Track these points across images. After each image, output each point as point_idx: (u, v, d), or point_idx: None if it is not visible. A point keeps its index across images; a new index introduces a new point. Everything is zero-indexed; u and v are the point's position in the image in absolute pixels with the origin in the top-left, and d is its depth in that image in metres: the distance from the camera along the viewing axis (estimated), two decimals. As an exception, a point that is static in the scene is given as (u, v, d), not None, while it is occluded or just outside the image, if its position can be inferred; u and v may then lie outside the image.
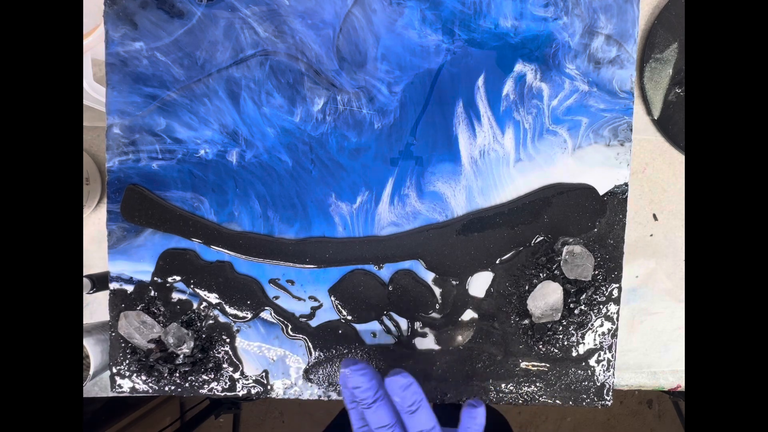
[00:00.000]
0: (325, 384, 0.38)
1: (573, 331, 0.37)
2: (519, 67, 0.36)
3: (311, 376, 0.38)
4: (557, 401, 0.38)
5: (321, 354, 0.38)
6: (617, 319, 0.38)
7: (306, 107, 0.36)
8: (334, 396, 0.38)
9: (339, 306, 0.38)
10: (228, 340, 0.38)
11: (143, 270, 0.37)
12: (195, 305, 0.38)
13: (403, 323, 0.38)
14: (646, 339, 0.50)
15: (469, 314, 0.38)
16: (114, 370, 0.38)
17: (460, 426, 0.32)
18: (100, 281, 0.39)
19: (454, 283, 0.37)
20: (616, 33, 0.36)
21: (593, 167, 0.37)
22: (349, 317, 0.38)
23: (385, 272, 0.37)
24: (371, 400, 0.30)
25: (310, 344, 0.38)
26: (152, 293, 0.37)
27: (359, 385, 0.30)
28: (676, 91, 0.46)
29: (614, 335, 0.38)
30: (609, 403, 0.38)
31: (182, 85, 0.36)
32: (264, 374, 0.38)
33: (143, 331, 0.37)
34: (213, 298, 0.37)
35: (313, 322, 0.38)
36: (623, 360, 0.50)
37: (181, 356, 0.37)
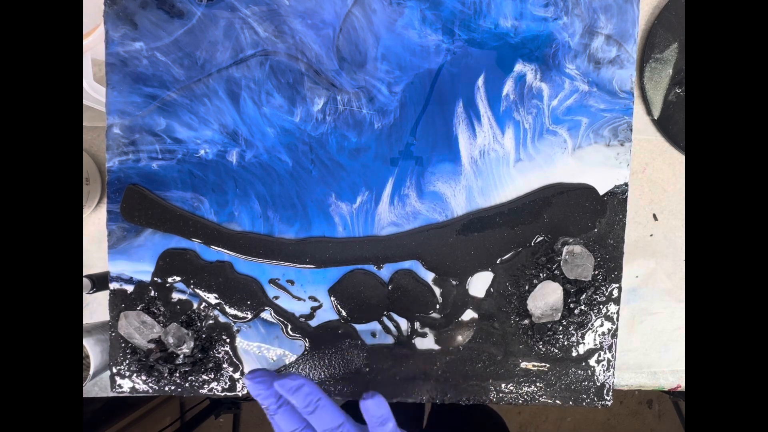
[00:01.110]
0: (324, 385, 0.38)
1: (573, 331, 0.37)
2: (519, 67, 0.36)
3: (311, 377, 0.38)
4: (557, 401, 0.38)
5: (321, 354, 0.38)
6: (617, 319, 0.38)
7: (306, 107, 0.36)
8: (332, 397, 0.38)
9: (339, 306, 0.38)
10: (228, 340, 0.38)
11: (143, 270, 0.37)
12: (195, 305, 0.38)
13: (403, 323, 0.38)
14: (646, 339, 0.50)
15: (469, 314, 0.38)
16: (114, 370, 0.38)
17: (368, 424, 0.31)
18: (100, 281, 0.39)
19: (454, 283, 0.37)
20: (616, 33, 0.36)
21: (593, 167, 0.37)
22: (349, 317, 0.38)
23: (385, 272, 0.37)
24: (276, 406, 0.30)
25: (308, 345, 0.38)
26: (152, 293, 0.37)
27: (258, 393, 0.30)
28: (676, 91, 0.46)
29: (614, 335, 0.38)
30: (609, 403, 0.38)
31: (182, 85, 0.36)
32: (264, 374, 0.38)
33: (143, 331, 0.37)
34: (213, 298, 0.37)
35: (313, 322, 0.38)
36: (623, 360, 0.50)
37: (181, 356, 0.37)
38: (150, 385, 0.38)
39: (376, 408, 0.30)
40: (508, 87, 0.36)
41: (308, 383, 0.30)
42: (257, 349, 0.38)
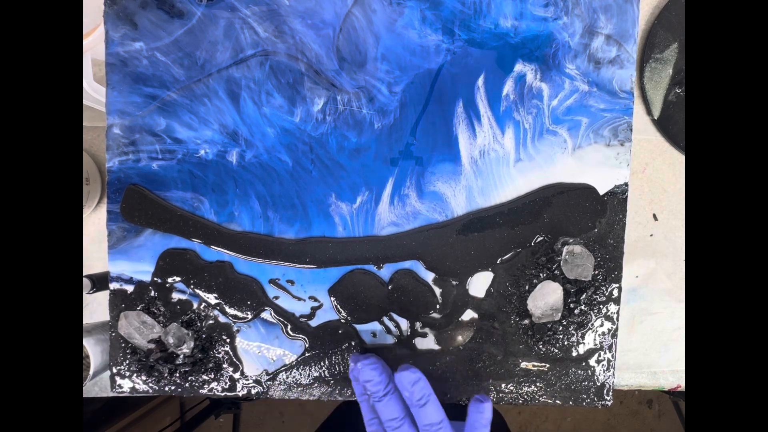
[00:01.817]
0: (325, 384, 0.38)
1: (573, 331, 0.37)
2: (519, 67, 0.36)
3: (311, 377, 0.38)
4: (557, 401, 0.38)
5: (321, 354, 0.38)
6: (617, 319, 0.38)
7: (306, 107, 0.36)
8: (333, 397, 0.38)
9: (338, 306, 0.38)
10: (228, 340, 0.38)
11: (143, 270, 0.37)
12: (195, 305, 0.38)
13: (403, 323, 0.38)
14: (646, 339, 0.50)
15: (469, 314, 0.38)
16: (114, 370, 0.38)
17: (467, 420, 0.33)
18: (100, 281, 0.39)
19: (454, 283, 0.37)
20: (616, 33, 0.36)
21: (593, 167, 0.37)
22: (349, 317, 0.38)
23: (385, 272, 0.37)
24: (382, 393, 0.31)
25: (308, 345, 0.38)
26: (152, 293, 0.37)
27: (370, 379, 0.31)
28: (676, 91, 0.46)
29: (614, 335, 0.38)
30: (609, 403, 0.38)
31: (182, 85, 0.36)
32: (264, 374, 0.38)
33: (143, 331, 0.37)
34: (213, 298, 0.37)
35: (313, 322, 0.38)
36: (623, 360, 0.50)
37: (181, 356, 0.37)
38: (150, 385, 0.38)
39: (488, 411, 0.33)
40: (508, 87, 0.36)
41: (423, 378, 0.31)
42: (257, 349, 0.38)
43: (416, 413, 0.31)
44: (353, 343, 0.38)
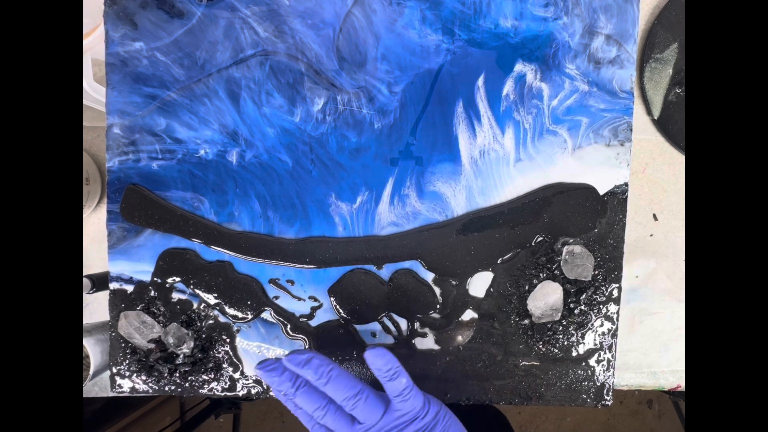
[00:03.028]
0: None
1: (573, 331, 0.37)
2: (519, 67, 0.36)
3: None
4: (557, 401, 0.38)
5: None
6: (617, 319, 0.38)
7: (306, 107, 0.36)
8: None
9: (338, 306, 0.38)
10: (228, 340, 0.38)
11: (143, 270, 0.37)
12: (195, 305, 0.38)
13: (403, 323, 0.38)
14: (646, 339, 0.50)
15: (469, 314, 0.38)
16: (114, 370, 0.38)
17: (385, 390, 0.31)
18: (100, 281, 0.39)
19: (454, 283, 0.37)
20: (616, 33, 0.36)
21: (593, 167, 0.37)
22: (349, 317, 0.38)
23: (385, 272, 0.37)
24: (293, 390, 0.30)
25: (309, 345, 0.38)
26: (152, 293, 0.37)
27: (273, 380, 0.30)
28: (676, 91, 0.46)
29: (614, 335, 0.38)
30: (609, 403, 0.38)
31: (182, 85, 0.36)
32: (264, 374, 0.38)
33: (143, 331, 0.37)
34: (213, 298, 0.37)
35: (313, 322, 0.38)
36: (623, 360, 0.50)
37: (181, 356, 0.37)
38: (150, 385, 0.38)
39: (378, 359, 0.29)
40: (508, 87, 0.36)
41: (318, 355, 0.29)
42: (257, 349, 0.38)
43: (327, 392, 0.30)
44: (350, 341, 0.38)
